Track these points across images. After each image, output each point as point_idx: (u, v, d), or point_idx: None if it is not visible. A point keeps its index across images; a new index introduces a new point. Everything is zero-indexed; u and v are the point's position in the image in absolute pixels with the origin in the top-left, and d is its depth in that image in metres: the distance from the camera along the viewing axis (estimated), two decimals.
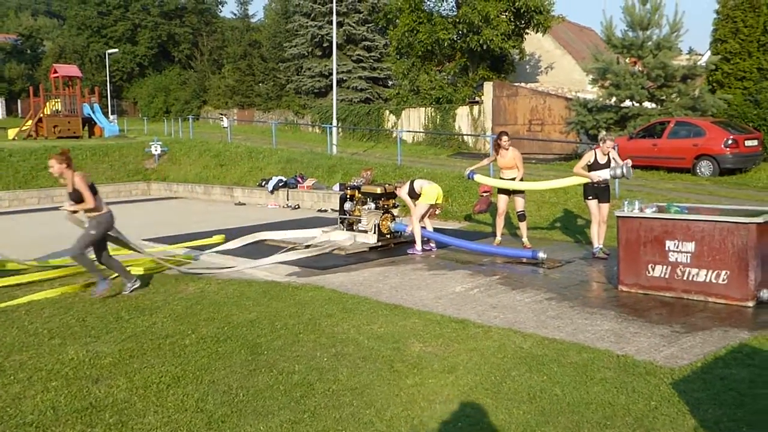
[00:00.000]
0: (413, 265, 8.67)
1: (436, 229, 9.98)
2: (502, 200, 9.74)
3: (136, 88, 54.06)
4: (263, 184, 17.07)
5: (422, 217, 9.52)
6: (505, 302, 6.65)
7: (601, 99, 18.86)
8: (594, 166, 8.69)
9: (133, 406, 4.29)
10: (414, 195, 9.47)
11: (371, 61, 37.04)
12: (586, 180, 8.73)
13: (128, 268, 7.70)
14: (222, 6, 63.53)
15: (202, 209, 15.89)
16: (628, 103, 18.16)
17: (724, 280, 6.40)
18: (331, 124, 24.35)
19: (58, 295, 7.11)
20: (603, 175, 8.59)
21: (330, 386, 4.52)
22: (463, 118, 26.87)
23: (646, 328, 5.71)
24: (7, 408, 4.29)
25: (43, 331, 5.90)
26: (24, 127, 28.12)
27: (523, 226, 9.74)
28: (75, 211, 6.98)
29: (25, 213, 15.70)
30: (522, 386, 4.45)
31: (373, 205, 10.12)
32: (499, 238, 9.90)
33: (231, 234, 10.89)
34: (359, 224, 10.08)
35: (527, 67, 30.42)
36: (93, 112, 28.35)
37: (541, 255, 8.36)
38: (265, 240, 10.38)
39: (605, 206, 8.79)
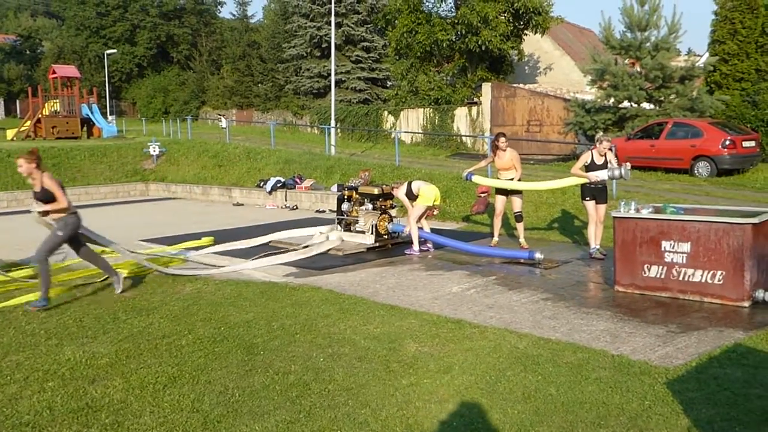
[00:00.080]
0: (410, 265, 8.68)
1: (433, 230, 9.99)
2: (499, 201, 9.75)
3: (134, 88, 54.06)
4: (261, 184, 17.08)
5: (420, 218, 9.54)
6: (502, 302, 6.66)
7: (599, 100, 18.89)
8: (591, 167, 8.71)
9: (129, 406, 4.30)
10: (411, 196, 9.48)
11: (370, 61, 37.08)
12: (584, 180, 8.74)
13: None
14: (221, 7, 63.41)
15: (201, 210, 15.90)
16: (626, 104, 18.19)
17: (719, 281, 6.42)
18: (329, 124, 24.37)
19: (54, 296, 7.12)
20: (601, 176, 8.61)
21: (326, 386, 4.53)
22: (461, 119, 26.91)
23: (641, 328, 5.72)
24: (3, 408, 4.31)
25: (40, 332, 5.92)
26: (23, 128, 28.14)
27: (520, 226, 9.75)
28: (46, 212, 6.77)
29: (23, 213, 15.66)
30: (517, 386, 4.46)
31: (370, 206, 10.13)
32: (496, 238, 9.93)
33: (231, 234, 10.90)
34: (356, 225, 10.10)
35: (526, 68, 30.45)
36: (91, 113, 28.37)
37: (538, 255, 8.37)
38: (269, 241, 10.34)
39: (602, 207, 8.81)
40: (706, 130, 15.02)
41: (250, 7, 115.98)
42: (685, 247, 6.59)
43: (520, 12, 25.70)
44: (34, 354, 5.32)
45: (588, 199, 8.78)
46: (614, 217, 7.14)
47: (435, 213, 10.15)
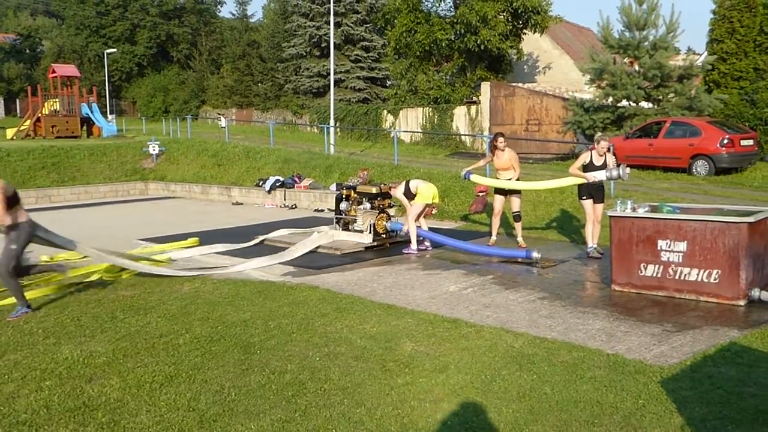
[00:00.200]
0: (408, 264, 8.70)
1: (432, 229, 10.01)
2: (498, 200, 9.78)
3: (134, 87, 54.04)
4: (260, 183, 17.10)
5: (418, 217, 9.56)
6: (498, 302, 6.68)
7: (597, 99, 18.91)
8: (589, 167, 8.72)
9: (126, 405, 4.32)
10: (410, 195, 9.50)
11: (369, 61, 37.08)
12: (582, 180, 8.76)
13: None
14: (221, 6, 63.39)
15: (200, 209, 15.92)
16: (624, 103, 18.20)
17: (715, 280, 6.43)
18: (328, 124, 24.38)
19: (54, 294, 7.13)
20: (599, 176, 8.62)
21: (321, 385, 4.55)
22: (460, 118, 26.92)
23: (637, 327, 5.74)
24: (1, 407, 4.33)
25: (38, 331, 5.94)
26: (22, 127, 28.14)
27: (518, 226, 9.78)
28: None
29: None
30: (512, 385, 4.48)
31: (368, 205, 10.15)
32: (494, 237, 9.94)
33: (231, 234, 10.90)
34: (355, 224, 10.12)
35: (525, 67, 30.44)
36: (91, 112, 28.38)
37: (536, 255, 8.39)
38: (266, 240, 10.35)
39: (600, 206, 8.83)
40: (705, 129, 15.03)
41: (249, 6, 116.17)
42: (682, 246, 6.61)
43: (519, 11, 25.71)
44: (32, 353, 5.34)
45: (585, 198, 8.80)
46: (610, 216, 7.16)
47: (433, 212, 10.17)
